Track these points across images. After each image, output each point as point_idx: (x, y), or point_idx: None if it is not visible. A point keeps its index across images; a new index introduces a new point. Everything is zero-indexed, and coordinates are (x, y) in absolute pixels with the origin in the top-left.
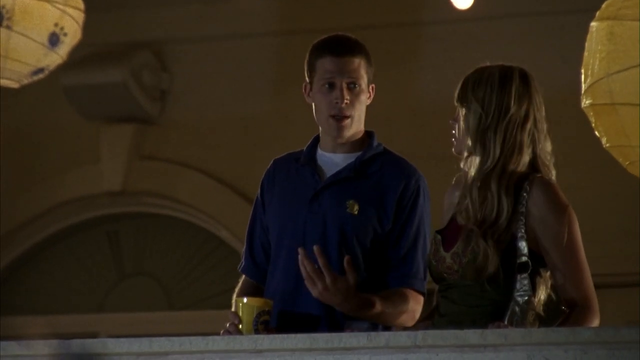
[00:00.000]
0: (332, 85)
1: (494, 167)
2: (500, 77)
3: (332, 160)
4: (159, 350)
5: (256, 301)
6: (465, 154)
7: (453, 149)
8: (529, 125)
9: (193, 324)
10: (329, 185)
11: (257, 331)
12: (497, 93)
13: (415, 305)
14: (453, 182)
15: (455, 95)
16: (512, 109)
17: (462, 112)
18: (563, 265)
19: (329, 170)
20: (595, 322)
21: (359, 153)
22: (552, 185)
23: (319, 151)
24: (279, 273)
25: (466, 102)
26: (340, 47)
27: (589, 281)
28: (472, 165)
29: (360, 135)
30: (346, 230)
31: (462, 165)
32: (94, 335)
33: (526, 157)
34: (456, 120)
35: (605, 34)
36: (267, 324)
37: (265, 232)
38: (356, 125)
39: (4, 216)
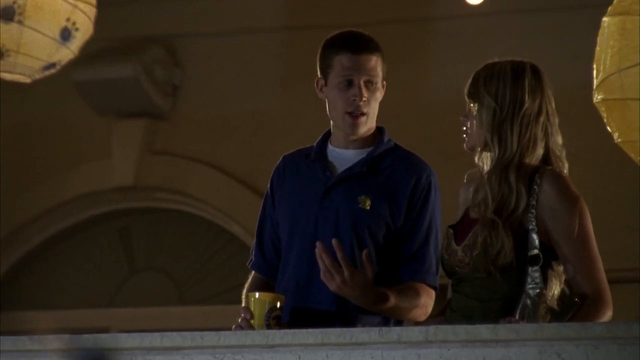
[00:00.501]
0: (350, 83)
1: (512, 159)
2: (512, 72)
3: (343, 156)
4: (170, 345)
5: (268, 296)
6: (479, 149)
7: (465, 145)
8: (542, 119)
9: (204, 319)
10: (340, 180)
11: (268, 326)
12: (510, 87)
13: (428, 300)
14: (466, 178)
15: (466, 91)
16: (527, 103)
17: (474, 107)
18: (574, 257)
19: (341, 166)
20: (608, 314)
21: (370, 149)
22: (562, 178)
23: (330, 147)
24: (290, 268)
25: (478, 97)
26: (358, 44)
27: (601, 273)
28: (486, 160)
29: (371, 131)
30: (358, 226)
31: (476, 160)
32: (105, 330)
33: (540, 150)
34: (468, 116)
35: (617, 29)
36: (279, 319)
37: (275, 228)
38: (370, 122)
39: (16, 211)
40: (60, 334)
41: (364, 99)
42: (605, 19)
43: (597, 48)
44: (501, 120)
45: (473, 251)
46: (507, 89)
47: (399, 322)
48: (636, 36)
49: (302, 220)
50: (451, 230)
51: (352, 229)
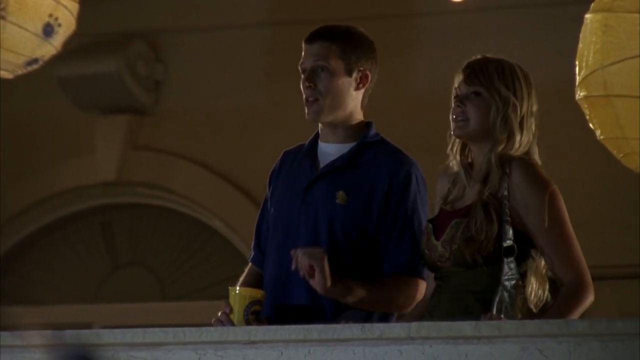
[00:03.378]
0: (303, 72)
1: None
2: (521, 71)
3: (328, 150)
4: (152, 341)
5: (248, 291)
6: (473, 137)
7: (458, 131)
8: (534, 121)
9: (187, 315)
10: (322, 175)
11: (247, 321)
12: (523, 85)
13: (412, 291)
14: (442, 172)
15: (470, 77)
16: (535, 104)
17: (482, 96)
18: (550, 247)
19: (325, 161)
20: (589, 299)
21: (353, 143)
22: (531, 166)
23: (319, 142)
24: (270, 263)
25: (491, 87)
26: (312, 34)
27: (579, 257)
28: (482, 149)
29: (355, 123)
30: (335, 221)
31: (453, 150)
32: (87, 326)
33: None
34: (465, 102)
35: (599, 26)
36: (258, 314)
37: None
38: (334, 110)
39: None
40: (43, 329)
41: (307, 84)
42: (587, 15)
43: (580, 45)
44: (514, 113)
45: (452, 245)
46: (521, 88)
47: (384, 318)
48: (619, 33)
49: (284, 215)
50: (430, 225)
51: (328, 223)
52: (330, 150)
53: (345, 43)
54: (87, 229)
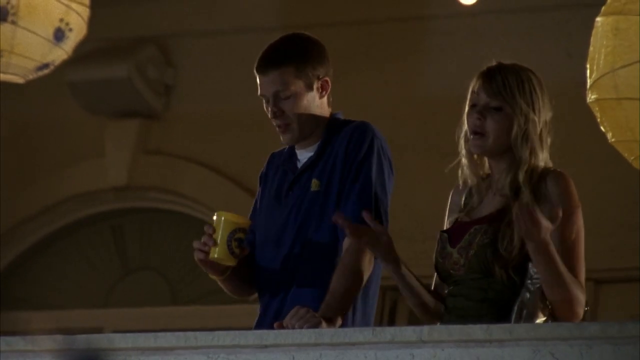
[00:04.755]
0: (266, 101)
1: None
2: (537, 81)
3: (303, 155)
4: (163, 346)
5: (235, 217)
6: (493, 152)
7: (478, 146)
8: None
9: (198, 319)
10: (298, 176)
11: (229, 247)
12: (540, 97)
13: (359, 256)
14: (455, 188)
15: (488, 89)
16: (547, 109)
17: (505, 111)
18: (561, 256)
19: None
20: (580, 303)
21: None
22: (567, 179)
23: (296, 149)
24: (261, 275)
25: (512, 102)
26: (260, 63)
27: (583, 277)
28: (500, 163)
29: (323, 124)
30: (313, 209)
31: (467, 161)
32: (98, 330)
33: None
34: (484, 115)
35: (610, 29)
36: (241, 241)
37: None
38: (306, 128)
39: (8, 211)
40: (54, 334)
41: (273, 113)
42: (598, 18)
43: (591, 48)
44: (534, 129)
45: (469, 251)
46: (538, 100)
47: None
48: (630, 36)
49: (271, 224)
50: (445, 235)
51: (306, 212)
52: (305, 155)
53: (297, 61)
54: (98, 234)
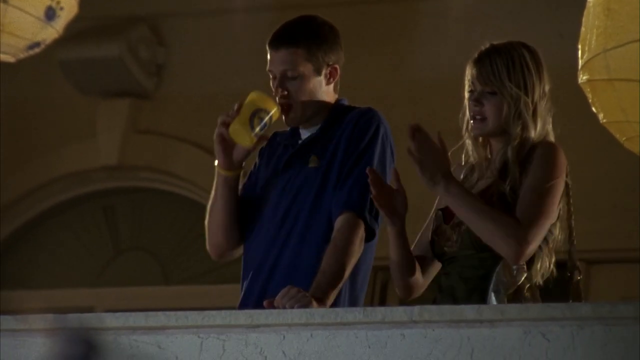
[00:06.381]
0: (274, 78)
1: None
2: (532, 59)
3: (305, 134)
4: (154, 325)
5: (263, 98)
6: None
7: (477, 131)
8: (546, 101)
9: (189, 299)
10: (298, 150)
11: (251, 123)
12: (534, 76)
13: (352, 236)
14: (456, 166)
15: (478, 75)
16: (545, 82)
17: (495, 96)
18: (527, 200)
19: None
20: (518, 247)
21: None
22: (554, 150)
23: (300, 129)
24: (255, 246)
25: (501, 87)
26: (274, 39)
27: (541, 222)
28: (499, 142)
29: (328, 108)
30: (310, 184)
31: (471, 144)
32: (90, 310)
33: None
34: (480, 101)
35: (602, 10)
36: (262, 122)
37: (255, 186)
38: (309, 111)
39: (0, 191)
40: (45, 313)
41: (279, 92)
42: None
43: (583, 28)
44: (526, 107)
45: (462, 227)
46: (531, 78)
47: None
48: (621, 16)
49: (267, 198)
50: (440, 212)
51: (300, 187)
52: (308, 133)
53: (310, 43)
54: (89, 213)
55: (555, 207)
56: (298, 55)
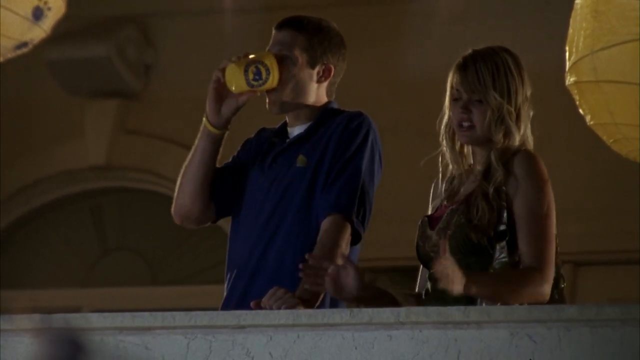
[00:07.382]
0: None
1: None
2: (514, 65)
3: (293, 132)
4: (141, 325)
5: (260, 53)
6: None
7: (467, 138)
8: (527, 106)
9: (176, 299)
10: (285, 148)
11: (246, 71)
12: (517, 82)
13: (338, 238)
14: (437, 180)
15: (464, 82)
16: (526, 87)
17: (480, 104)
18: (527, 230)
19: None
20: (544, 289)
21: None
22: (533, 157)
23: (287, 128)
24: (237, 244)
25: (486, 95)
26: (283, 21)
27: (551, 253)
28: (484, 149)
29: (316, 107)
30: (296, 184)
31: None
32: (77, 310)
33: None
34: (468, 108)
35: (590, 11)
36: (259, 72)
37: (236, 165)
38: (293, 100)
39: None
40: (32, 313)
41: None
42: (578, 0)
43: (570, 30)
44: (509, 114)
45: (447, 232)
46: (514, 83)
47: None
48: (609, 18)
49: (249, 194)
50: (426, 219)
51: (286, 188)
52: (296, 131)
53: (312, 35)
54: (77, 213)
55: (554, 226)
56: (297, 40)
